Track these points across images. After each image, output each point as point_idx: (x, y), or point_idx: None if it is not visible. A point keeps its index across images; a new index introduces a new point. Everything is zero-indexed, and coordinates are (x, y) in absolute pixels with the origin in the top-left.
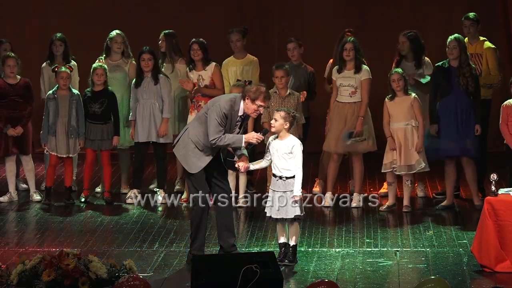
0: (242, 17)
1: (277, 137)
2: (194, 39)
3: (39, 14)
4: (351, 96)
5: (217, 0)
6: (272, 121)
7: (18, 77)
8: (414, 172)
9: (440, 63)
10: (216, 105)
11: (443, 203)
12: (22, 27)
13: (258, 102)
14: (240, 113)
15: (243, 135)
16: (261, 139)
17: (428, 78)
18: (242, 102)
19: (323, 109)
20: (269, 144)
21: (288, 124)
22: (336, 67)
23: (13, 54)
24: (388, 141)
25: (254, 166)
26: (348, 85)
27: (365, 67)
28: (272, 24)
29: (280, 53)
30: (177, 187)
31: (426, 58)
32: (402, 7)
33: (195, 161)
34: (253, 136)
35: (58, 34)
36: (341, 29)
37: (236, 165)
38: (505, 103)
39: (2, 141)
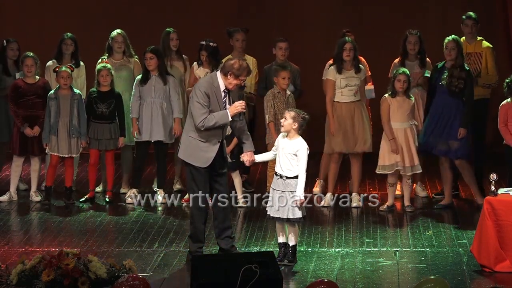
0: (241, 18)
1: (286, 136)
2: (203, 42)
3: (39, 14)
4: (355, 96)
5: (217, 0)
6: (282, 120)
7: (37, 77)
8: (417, 172)
9: (438, 64)
10: (195, 89)
11: (442, 202)
12: (22, 27)
13: (242, 78)
14: (222, 88)
15: (227, 110)
16: (244, 105)
17: None
18: (221, 77)
19: (323, 109)
20: (278, 140)
21: (297, 125)
22: (333, 67)
23: (31, 54)
24: (390, 143)
25: (259, 158)
26: (354, 85)
27: (361, 66)
28: (271, 25)
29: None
30: (177, 186)
31: (427, 59)
32: (402, 7)
33: (204, 154)
34: (236, 106)
35: (69, 34)
36: (340, 29)
37: (242, 159)
38: (502, 103)
39: (21, 140)
